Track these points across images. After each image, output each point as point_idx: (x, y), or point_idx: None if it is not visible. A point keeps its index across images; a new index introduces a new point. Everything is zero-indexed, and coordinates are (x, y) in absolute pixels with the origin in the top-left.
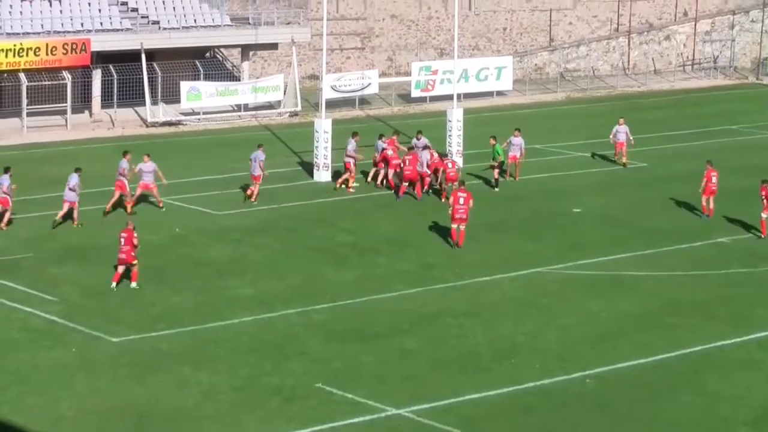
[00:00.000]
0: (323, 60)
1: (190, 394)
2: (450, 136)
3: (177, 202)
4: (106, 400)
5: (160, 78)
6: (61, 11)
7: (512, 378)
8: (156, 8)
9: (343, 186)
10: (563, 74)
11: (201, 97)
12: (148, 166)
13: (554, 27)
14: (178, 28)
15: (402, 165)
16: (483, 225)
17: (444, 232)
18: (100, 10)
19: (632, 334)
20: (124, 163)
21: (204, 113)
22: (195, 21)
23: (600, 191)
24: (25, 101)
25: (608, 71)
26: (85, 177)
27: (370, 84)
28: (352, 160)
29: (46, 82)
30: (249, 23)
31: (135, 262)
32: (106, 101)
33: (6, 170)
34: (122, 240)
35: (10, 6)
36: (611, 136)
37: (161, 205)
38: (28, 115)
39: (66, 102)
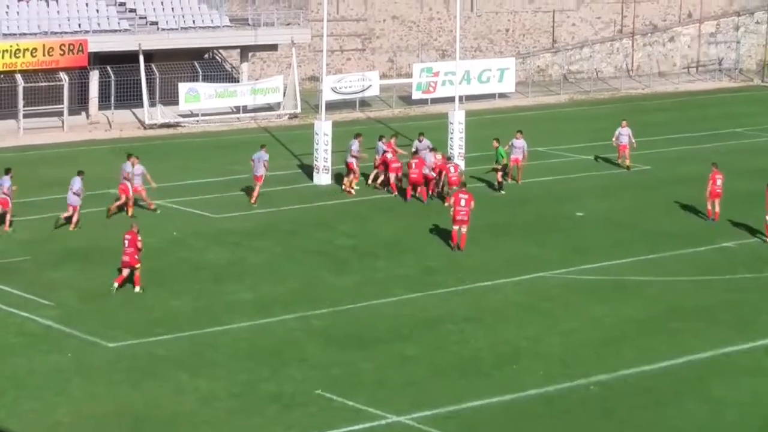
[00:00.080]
0: (323, 61)
1: (188, 401)
2: (452, 138)
3: (175, 205)
4: (102, 405)
5: (158, 79)
6: (58, 12)
7: (515, 384)
8: (154, 9)
9: (353, 187)
10: (566, 76)
11: (200, 98)
12: (136, 168)
13: (557, 28)
14: (176, 29)
15: (408, 169)
16: (485, 228)
17: (445, 235)
18: (97, 11)
19: (636, 340)
20: (128, 167)
21: (203, 115)
22: (194, 22)
23: (603, 194)
24: (21, 102)
25: (612, 73)
26: (84, 179)
27: (370, 86)
28: (355, 161)
29: (43, 84)
30: (248, 24)
31: (138, 265)
32: (104, 103)
33: (7, 171)
34: (126, 242)
35: (7, 6)
36: (614, 139)
37: (152, 206)
38: (25, 116)
39: (63, 103)
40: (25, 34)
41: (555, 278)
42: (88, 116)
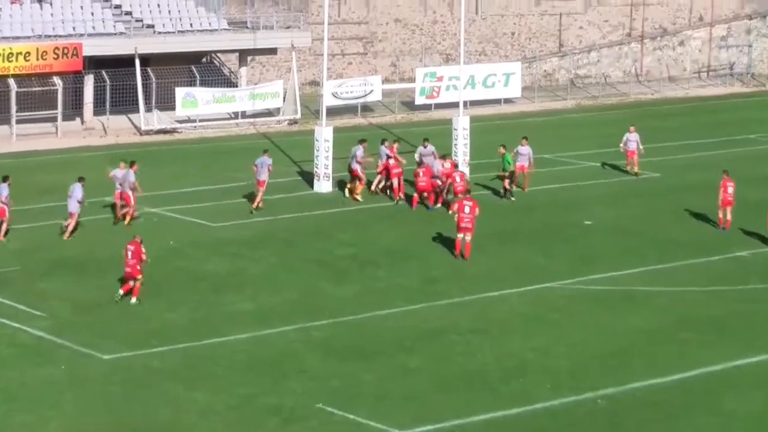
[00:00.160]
0: (324, 66)
1: (185, 414)
2: (456, 145)
3: (172, 214)
4: (96, 419)
5: (154, 84)
6: (52, 14)
7: (521, 398)
8: (150, 11)
9: (359, 193)
10: (573, 81)
11: (197, 103)
12: (123, 173)
13: (564, 32)
14: (173, 32)
15: (415, 178)
16: (490, 236)
17: (449, 244)
18: (92, 14)
19: (645, 352)
20: (132, 176)
21: (200, 121)
22: (191, 25)
23: (612, 202)
24: (14, 108)
25: (620, 78)
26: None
27: (372, 91)
28: (360, 167)
29: (36, 88)
30: (247, 27)
31: (140, 276)
32: (99, 108)
33: (4, 179)
34: (129, 253)
35: None
36: (621, 145)
37: (136, 215)
38: (18, 122)
39: (57, 109)
40: (18, 37)
41: (562, 288)
42: (82, 122)
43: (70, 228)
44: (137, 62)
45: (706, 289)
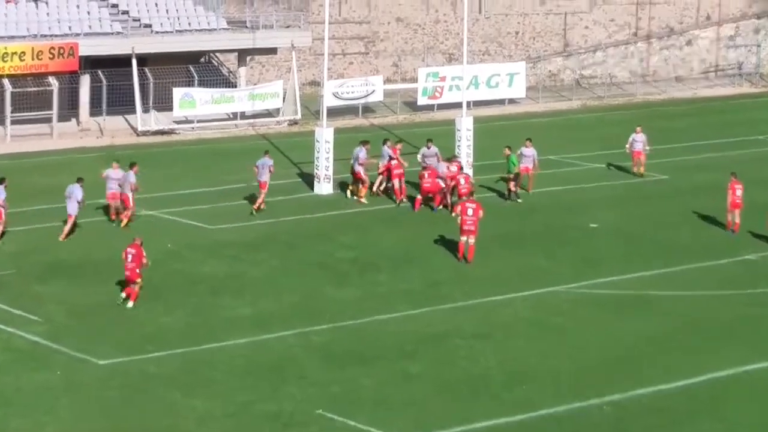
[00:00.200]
0: (325, 66)
1: (182, 421)
2: (459, 146)
3: (169, 216)
4: (92, 425)
5: (151, 84)
6: (47, 14)
7: (524, 404)
8: (148, 10)
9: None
10: (579, 81)
11: (195, 104)
12: (116, 173)
13: (569, 31)
14: (171, 32)
15: (420, 180)
16: (494, 239)
17: (451, 247)
18: (88, 13)
19: (651, 358)
20: (132, 178)
21: (198, 122)
22: (189, 24)
23: (618, 205)
24: (9, 108)
25: (626, 78)
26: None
27: (374, 91)
28: (362, 169)
29: (32, 89)
30: (246, 27)
31: (139, 280)
32: (95, 109)
33: (1, 181)
34: (129, 256)
35: None
36: (627, 146)
37: (116, 218)
38: (12, 123)
39: (52, 109)
40: (13, 36)
41: (567, 292)
42: (78, 123)
43: (67, 230)
44: (134, 62)
45: (714, 293)
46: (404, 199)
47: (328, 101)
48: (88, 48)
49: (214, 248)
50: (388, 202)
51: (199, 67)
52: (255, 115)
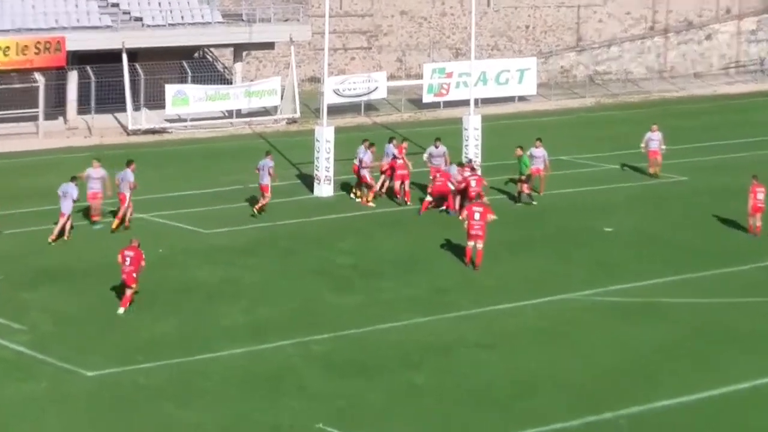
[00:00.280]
0: (325, 61)
1: None
2: (466, 146)
3: (161, 219)
4: None
5: (143, 81)
6: (33, 6)
7: (534, 417)
8: (139, 3)
9: (369, 196)
10: (593, 77)
11: (188, 101)
12: (97, 172)
13: (582, 25)
14: (163, 26)
15: (432, 181)
16: (502, 244)
17: (458, 252)
18: (76, 6)
19: (668, 369)
20: (130, 176)
21: (192, 120)
22: (182, 17)
23: (634, 208)
24: None
25: (643, 74)
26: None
27: (377, 88)
28: (368, 173)
29: (16, 85)
30: (242, 20)
31: (134, 285)
32: (83, 106)
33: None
34: (128, 259)
35: None
36: (642, 145)
37: (96, 219)
38: None
39: (38, 107)
40: None
41: (579, 300)
42: (65, 121)
43: (58, 229)
44: (124, 57)
45: (735, 300)
46: (406, 201)
47: (329, 99)
48: (76, 42)
49: (208, 253)
50: (392, 204)
51: (193, 63)
52: (251, 114)
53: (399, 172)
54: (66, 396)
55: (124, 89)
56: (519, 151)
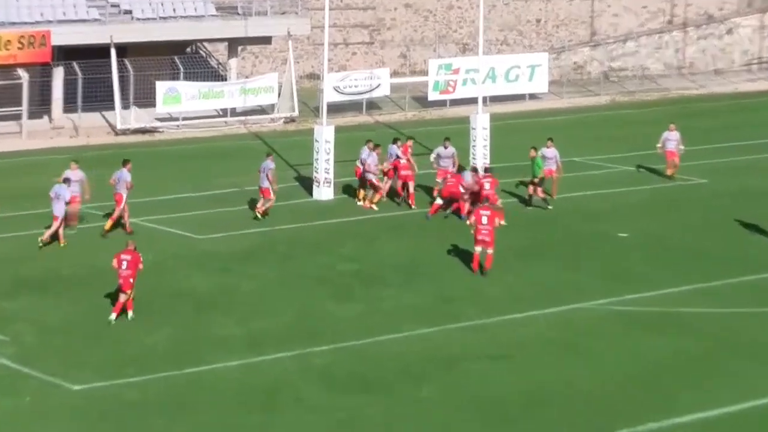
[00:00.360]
0: (325, 57)
1: None
2: (474, 146)
3: (151, 224)
4: None
5: (132, 77)
6: None
7: None
8: None
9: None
10: (607, 74)
11: (180, 99)
12: (75, 174)
13: (597, 19)
14: (154, 19)
15: (444, 183)
16: (512, 250)
17: (465, 258)
18: None
19: (688, 382)
20: (127, 176)
21: (184, 119)
22: (174, 10)
23: (651, 212)
24: None
25: (660, 71)
26: (43, 192)
27: (379, 85)
28: (374, 176)
29: None
30: (238, 13)
31: (129, 291)
32: (69, 104)
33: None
34: (124, 263)
35: None
36: (659, 146)
37: (73, 223)
38: None
39: (21, 105)
40: None
41: (593, 309)
42: (50, 120)
43: (49, 232)
44: (113, 53)
45: (758, 310)
46: (412, 204)
47: (329, 96)
48: (62, 37)
49: (202, 260)
50: (395, 208)
51: (185, 59)
52: (247, 112)
53: (402, 172)
54: (51, 411)
55: (112, 86)
56: (533, 152)
